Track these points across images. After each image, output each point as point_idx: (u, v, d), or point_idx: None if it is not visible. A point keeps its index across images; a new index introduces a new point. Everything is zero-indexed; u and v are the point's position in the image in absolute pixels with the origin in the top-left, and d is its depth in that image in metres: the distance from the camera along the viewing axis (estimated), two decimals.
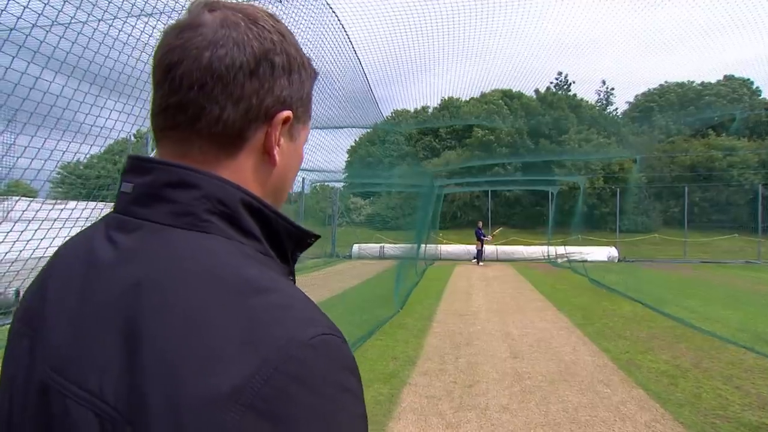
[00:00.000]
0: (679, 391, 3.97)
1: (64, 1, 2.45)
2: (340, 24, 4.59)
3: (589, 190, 22.42)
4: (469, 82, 11.88)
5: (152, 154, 0.52)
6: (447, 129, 32.25)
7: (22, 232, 2.79)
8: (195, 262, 0.42)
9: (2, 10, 2.37)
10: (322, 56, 4.63)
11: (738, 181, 23.83)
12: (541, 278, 12.30)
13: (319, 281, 11.29)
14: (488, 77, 11.15)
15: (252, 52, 0.48)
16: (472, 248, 17.30)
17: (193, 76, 0.46)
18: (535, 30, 8.12)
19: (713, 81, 29.95)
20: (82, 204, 3.63)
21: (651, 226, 23.80)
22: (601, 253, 17.21)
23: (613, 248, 17.72)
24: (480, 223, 17.38)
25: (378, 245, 19.65)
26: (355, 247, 19.60)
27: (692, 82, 30.68)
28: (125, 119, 3.16)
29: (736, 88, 29.41)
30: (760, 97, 30.45)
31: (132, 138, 5.57)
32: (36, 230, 2.84)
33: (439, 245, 19.18)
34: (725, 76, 29.57)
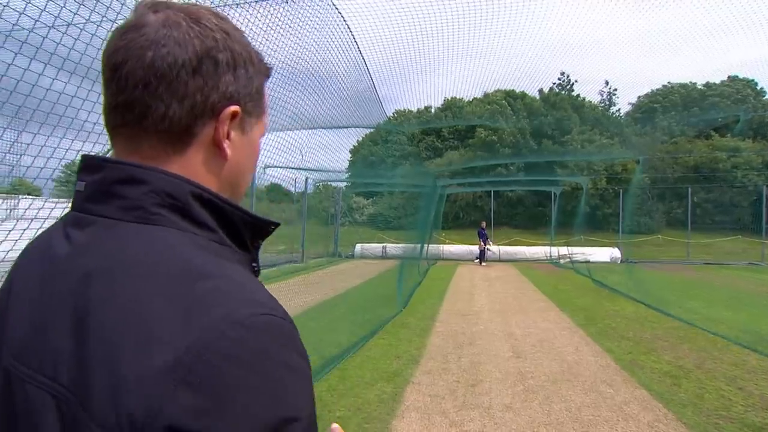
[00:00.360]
0: (682, 392, 3.97)
1: (79, 5, 2.48)
2: (346, 24, 4.61)
3: (592, 191, 22.38)
4: (472, 82, 11.89)
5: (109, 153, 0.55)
6: (450, 129, 32.24)
7: (24, 230, 2.81)
8: (143, 252, 0.45)
9: (4, 7, 2.39)
10: (328, 56, 4.65)
11: (742, 183, 23.74)
12: (543, 279, 12.30)
13: (322, 280, 11.32)
14: (491, 77, 11.13)
15: (194, 50, 0.49)
16: (475, 248, 17.30)
17: (137, 76, 0.48)
18: (539, 30, 8.12)
19: (717, 82, 29.86)
20: None
21: (654, 227, 23.73)
22: (603, 254, 17.19)
23: (616, 249, 17.68)
24: (483, 224, 17.37)
25: (380, 245, 19.68)
26: (358, 246, 19.64)
27: (695, 84, 30.59)
28: None
29: (740, 88, 29.30)
30: (765, 98, 30.36)
31: None
32: (38, 229, 2.86)
33: (441, 245, 19.19)
34: (729, 77, 29.47)
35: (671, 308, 7.46)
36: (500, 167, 24.90)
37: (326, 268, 14.93)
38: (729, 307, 7.90)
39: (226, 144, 0.53)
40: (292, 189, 17.13)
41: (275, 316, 0.44)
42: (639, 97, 32.76)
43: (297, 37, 3.79)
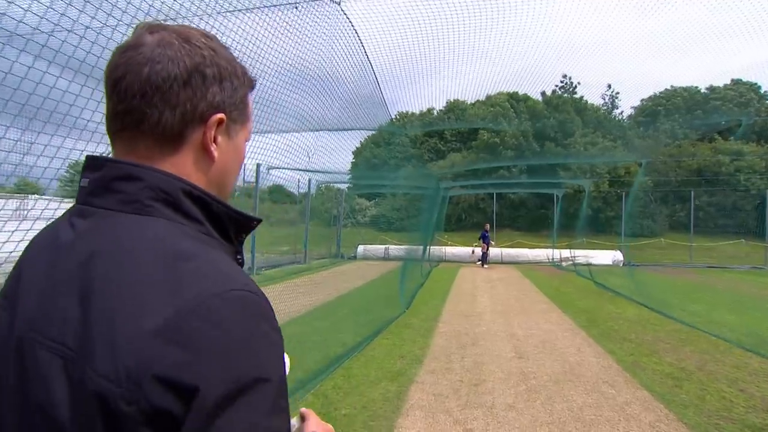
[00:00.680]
0: (684, 393, 4.01)
1: (86, 3, 2.53)
2: (353, 28, 4.67)
3: (595, 194, 22.36)
4: (475, 84, 11.92)
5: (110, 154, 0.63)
6: (452, 131, 32.28)
7: (28, 231, 2.83)
8: (138, 238, 0.53)
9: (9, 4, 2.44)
10: (334, 59, 4.72)
11: (745, 186, 23.70)
12: (545, 281, 12.32)
13: (325, 281, 11.38)
14: (494, 80, 11.18)
15: (184, 66, 0.57)
16: (477, 250, 17.33)
17: (135, 88, 0.56)
18: (542, 32, 8.16)
19: (720, 85, 29.80)
20: None
21: (656, 230, 23.70)
22: (606, 256, 17.19)
23: (618, 252, 17.69)
24: (487, 226, 17.40)
25: (383, 246, 19.73)
26: (360, 248, 19.69)
27: (698, 88, 30.55)
28: None
29: (744, 92, 29.23)
30: None
31: None
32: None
33: (444, 247, 19.24)
34: (733, 80, 29.41)
35: (673, 311, 7.48)
36: (503, 169, 24.93)
37: (329, 269, 14.98)
38: (731, 311, 7.92)
39: (213, 147, 0.61)
40: (295, 190, 17.22)
41: (249, 293, 0.52)
42: (642, 100, 32.75)
43: (304, 40, 3.86)
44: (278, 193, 18.27)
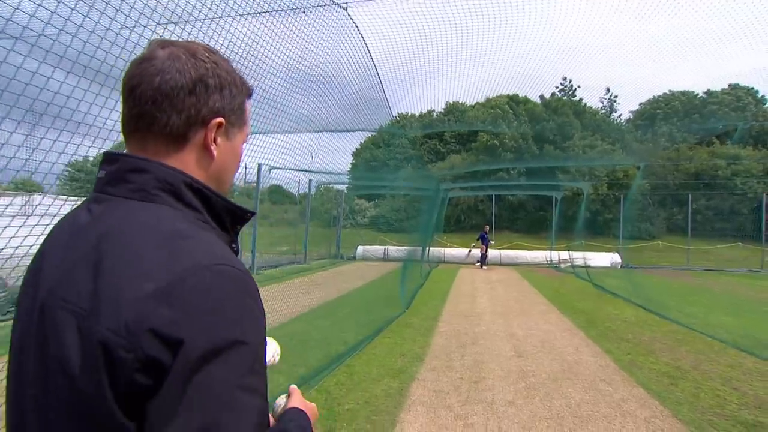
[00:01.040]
0: (679, 391, 4.11)
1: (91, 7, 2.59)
2: (359, 33, 4.76)
3: (593, 196, 22.48)
4: (475, 86, 12.02)
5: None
6: (452, 133, 32.39)
7: (34, 226, 2.87)
8: (143, 220, 0.62)
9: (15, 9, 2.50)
10: (339, 61, 4.80)
11: (742, 190, 23.85)
12: (544, 282, 12.42)
13: (326, 281, 11.46)
14: (494, 82, 11.28)
15: (190, 77, 0.67)
16: (476, 252, 17.41)
17: (147, 95, 0.66)
18: (543, 36, 8.26)
19: (718, 89, 29.99)
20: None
21: (654, 233, 23.85)
22: (604, 259, 17.29)
23: (616, 254, 17.79)
24: (486, 227, 17.48)
25: (382, 247, 19.80)
26: (360, 248, 19.75)
27: (696, 94, 30.73)
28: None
29: (741, 96, 29.43)
30: (766, 106, 30.47)
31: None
32: (47, 225, 2.91)
33: (443, 248, 19.32)
34: (730, 85, 29.60)
35: (671, 313, 7.58)
36: (502, 171, 25.04)
37: (329, 270, 15.05)
38: (728, 313, 8.01)
39: (213, 147, 0.71)
40: (295, 191, 17.29)
41: (234, 268, 0.61)
42: (641, 103, 32.94)
43: (311, 44, 3.94)
44: (277, 193, 18.34)
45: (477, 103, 30.28)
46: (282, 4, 3.35)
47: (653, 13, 7.59)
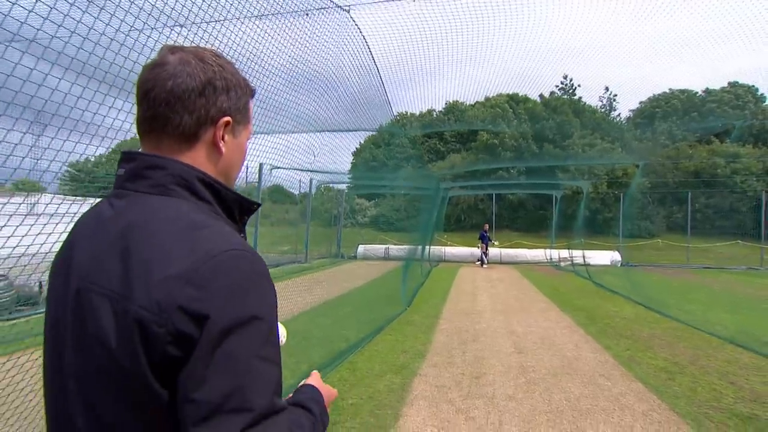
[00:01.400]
0: (676, 385, 4.18)
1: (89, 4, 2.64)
2: (361, 34, 4.82)
3: (593, 195, 22.53)
4: (475, 85, 12.07)
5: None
6: (452, 132, 32.45)
7: (45, 224, 2.92)
8: (163, 212, 0.68)
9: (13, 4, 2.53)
10: (341, 62, 4.86)
11: (741, 188, 23.90)
12: (544, 280, 12.48)
13: (327, 280, 11.52)
14: (493, 81, 11.34)
15: (200, 80, 0.74)
16: (477, 251, 17.48)
17: (161, 98, 0.72)
18: (543, 36, 8.32)
19: (717, 88, 30.04)
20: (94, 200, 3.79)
21: (654, 231, 23.90)
22: (604, 257, 17.35)
23: (616, 252, 17.86)
24: (486, 226, 17.55)
25: (383, 246, 19.87)
26: (361, 247, 19.82)
27: (695, 93, 30.77)
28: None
29: (741, 95, 29.47)
30: (765, 104, 30.52)
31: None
32: (57, 224, 2.96)
33: (443, 247, 19.39)
34: (730, 83, 29.65)
35: (670, 310, 7.65)
36: (502, 170, 25.11)
37: (330, 269, 15.12)
38: (727, 310, 8.08)
39: (221, 144, 0.78)
40: (295, 191, 17.34)
41: (248, 252, 0.68)
42: (640, 102, 32.98)
43: (314, 45, 4.00)
44: (278, 193, 18.39)
45: (477, 102, 30.35)
46: (285, 7, 3.42)
47: (651, 14, 7.65)
